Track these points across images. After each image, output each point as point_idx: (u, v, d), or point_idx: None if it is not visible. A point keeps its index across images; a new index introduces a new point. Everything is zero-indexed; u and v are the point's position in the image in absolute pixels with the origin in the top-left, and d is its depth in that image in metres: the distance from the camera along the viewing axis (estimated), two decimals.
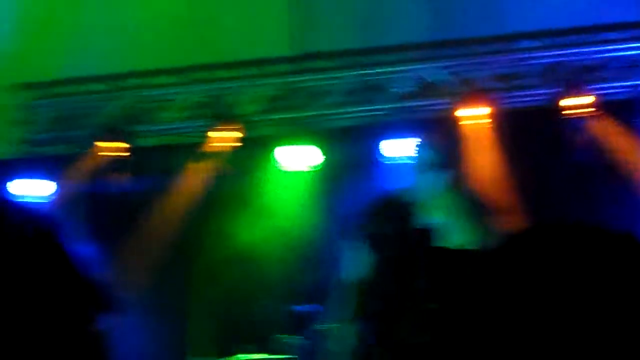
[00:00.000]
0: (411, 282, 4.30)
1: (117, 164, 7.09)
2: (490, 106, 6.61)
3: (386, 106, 6.83)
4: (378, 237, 4.51)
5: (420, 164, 4.55)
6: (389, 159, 6.54)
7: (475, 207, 4.52)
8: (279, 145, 6.88)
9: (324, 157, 6.81)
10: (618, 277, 0.83)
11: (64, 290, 1.07)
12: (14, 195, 6.66)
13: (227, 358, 5.80)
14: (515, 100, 6.86)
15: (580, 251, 0.86)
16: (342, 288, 4.61)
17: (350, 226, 4.55)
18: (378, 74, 6.96)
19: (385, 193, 4.72)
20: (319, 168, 6.87)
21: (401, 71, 6.89)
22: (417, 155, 4.54)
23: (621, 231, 0.88)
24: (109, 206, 7.19)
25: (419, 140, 4.68)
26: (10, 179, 6.83)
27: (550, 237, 0.90)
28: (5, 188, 6.56)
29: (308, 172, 6.95)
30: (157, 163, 7.28)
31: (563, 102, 6.53)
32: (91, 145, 7.09)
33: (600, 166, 6.66)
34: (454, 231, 4.28)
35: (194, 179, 6.93)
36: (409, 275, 4.32)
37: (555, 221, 0.91)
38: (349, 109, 6.95)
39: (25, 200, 6.69)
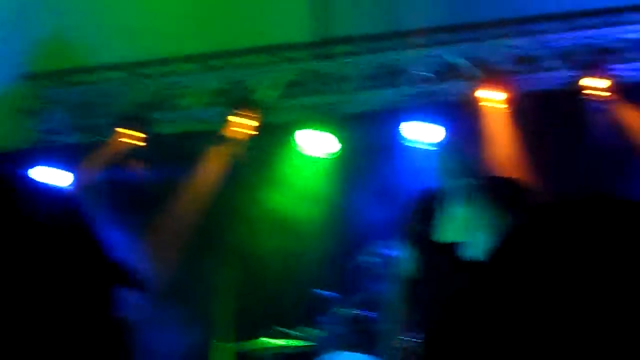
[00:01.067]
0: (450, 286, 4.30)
1: (137, 151, 7.16)
2: (509, 89, 6.60)
3: (406, 90, 6.76)
4: (423, 237, 4.50)
5: (442, 171, 4.51)
6: (411, 141, 6.52)
7: (498, 210, 4.38)
8: (299, 129, 6.80)
9: (341, 144, 6.68)
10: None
11: (92, 270, 1.04)
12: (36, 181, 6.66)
13: (250, 341, 5.82)
14: (534, 82, 6.80)
15: (604, 222, 0.84)
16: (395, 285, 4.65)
17: (397, 223, 4.55)
18: (397, 59, 6.92)
19: (427, 191, 4.59)
20: (337, 155, 6.76)
21: (420, 55, 6.82)
22: (438, 162, 4.52)
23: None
24: (130, 194, 7.18)
25: (441, 141, 4.69)
26: (30, 167, 6.77)
27: (574, 210, 0.88)
28: (27, 175, 6.59)
29: (328, 158, 6.86)
30: (177, 150, 7.27)
31: (582, 84, 6.47)
32: (111, 134, 7.15)
33: (621, 148, 6.56)
34: (472, 245, 4.27)
35: (215, 164, 6.88)
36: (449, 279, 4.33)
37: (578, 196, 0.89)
38: (369, 93, 6.86)
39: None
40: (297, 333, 6.09)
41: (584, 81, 6.50)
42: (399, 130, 6.72)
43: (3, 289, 0.93)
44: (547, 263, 0.84)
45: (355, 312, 5.99)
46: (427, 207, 4.58)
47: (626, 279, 0.80)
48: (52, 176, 6.96)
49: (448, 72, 6.94)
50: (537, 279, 0.83)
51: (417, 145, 6.50)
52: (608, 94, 6.49)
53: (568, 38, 6.76)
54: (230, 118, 6.92)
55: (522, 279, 0.84)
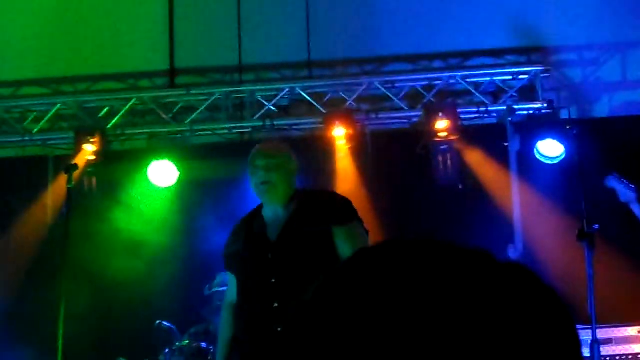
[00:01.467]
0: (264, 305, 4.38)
1: None
2: (354, 127, 6.73)
3: (252, 123, 6.91)
4: (233, 258, 4.54)
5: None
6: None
7: None
8: (145, 157, 6.80)
9: (179, 173, 6.75)
10: (460, 291, 0.77)
11: None
12: None
13: None
14: (382, 122, 7.04)
15: (428, 266, 0.80)
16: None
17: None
18: (248, 91, 7.09)
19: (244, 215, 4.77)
20: (176, 184, 6.81)
21: (271, 89, 6.95)
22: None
23: (473, 248, 0.83)
24: None
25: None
26: None
27: (398, 252, 0.83)
28: None
29: (172, 186, 6.87)
30: (21, 174, 7.18)
31: (429, 125, 6.67)
32: None
33: (464, 189, 6.85)
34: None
35: (57, 189, 6.73)
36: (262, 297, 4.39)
37: (406, 238, 0.84)
38: (215, 125, 7.02)
39: None
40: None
41: (432, 122, 6.64)
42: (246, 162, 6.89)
43: None
44: (360, 305, 0.77)
45: (196, 344, 5.91)
46: (236, 229, 4.58)
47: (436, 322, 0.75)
48: None
49: (296, 107, 7.03)
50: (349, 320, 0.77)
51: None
52: (454, 134, 6.67)
53: (413, 80, 6.99)
54: (75, 145, 6.88)
55: (335, 319, 0.78)
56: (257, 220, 4.42)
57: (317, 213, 4.37)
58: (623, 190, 5.42)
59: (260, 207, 4.50)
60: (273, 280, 4.20)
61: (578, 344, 0.80)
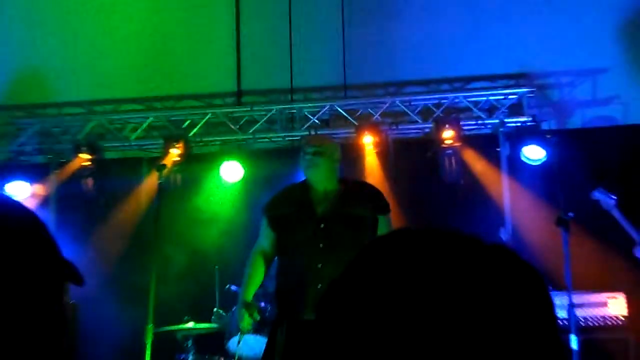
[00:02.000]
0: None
1: (87, 171, 7.22)
2: (380, 136, 6.93)
3: (300, 133, 7.15)
4: (280, 220, 4.64)
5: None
6: None
7: None
8: (219, 160, 7.08)
9: (244, 171, 7.01)
10: (465, 278, 0.81)
11: (46, 268, 1.04)
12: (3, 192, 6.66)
13: (179, 326, 5.91)
14: (401, 132, 7.25)
15: (432, 248, 0.84)
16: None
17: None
18: (297, 108, 7.33)
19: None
20: (242, 180, 7.08)
21: (316, 106, 7.26)
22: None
23: (467, 233, 0.88)
24: (81, 205, 7.38)
25: None
26: (4, 181, 7.07)
27: (411, 238, 0.87)
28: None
29: (237, 182, 7.12)
30: (122, 171, 7.52)
31: (438, 135, 6.80)
32: (68, 156, 7.28)
33: (465, 184, 6.97)
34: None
35: (151, 184, 6.97)
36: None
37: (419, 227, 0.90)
38: (272, 135, 7.34)
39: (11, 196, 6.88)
40: (214, 317, 6.11)
41: (438, 132, 6.80)
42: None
43: None
44: (382, 286, 0.82)
45: (257, 303, 5.64)
46: (281, 197, 4.74)
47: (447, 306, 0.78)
48: (19, 188, 7.13)
49: (334, 120, 7.36)
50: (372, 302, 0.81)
51: None
52: (455, 142, 6.80)
53: (426, 99, 7.20)
54: (164, 148, 7.07)
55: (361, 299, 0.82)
56: (306, 194, 4.58)
57: (365, 200, 4.57)
58: (605, 200, 5.56)
59: (304, 184, 4.65)
60: (321, 246, 4.35)
61: (551, 304, 0.84)
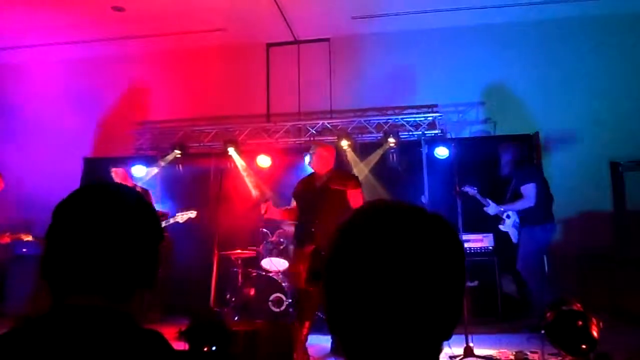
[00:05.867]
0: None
1: (179, 161, 8.26)
2: (352, 141, 7.97)
3: (305, 139, 7.89)
4: (298, 194, 5.00)
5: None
6: None
7: None
8: (256, 154, 7.63)
9: (271, 161, 7.55)
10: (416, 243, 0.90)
11: (153, 224, 1.32)
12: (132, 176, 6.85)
13: (231, 251, 6.18)
14: (364, 139, 8.38)
15: (390, 216, 0.96)
16: None
17: None
18: (303, 124, 7.99)
19: None
20: (269, 167, 7.60)
21: (314, 122, 8.04)
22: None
23: (414, 205, 0.99)
24: (177, 181, 8.25)
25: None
26: (131, 165, 7.60)
27: (376, 209, 0.98)
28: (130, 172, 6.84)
29: (266, 168, 7.65)
30: (198, 161, 8.39)
31: (386, 141, 7.78)
32: (171, 151, 8.21)
33: (402, 170, 8.02)
34: None
35: (216, 168, 7.78)
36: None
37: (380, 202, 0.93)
38: (287, 140, 7.95)
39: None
40: (253, 247, 6.73)
41: (385, 139, 7.87)
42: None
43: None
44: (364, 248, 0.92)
45: (279, 240, 7.07)
46: (299, 183, 5.03)
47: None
48: (139, 170, 8.08)
49: (325, 131, 8.21)
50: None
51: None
52: (395, 145, 7.82)
53: (379, 119, 8.37)
54: (223, 147, 7.53)
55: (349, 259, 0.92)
56: (312, 177, 5.11)
57: (344, 180, 4.99)
58: (470, 190, 6.03)
59: (313, 173, 5.20)
60: (317, 206, 4.91)
61: (462, 246, 0.98)
